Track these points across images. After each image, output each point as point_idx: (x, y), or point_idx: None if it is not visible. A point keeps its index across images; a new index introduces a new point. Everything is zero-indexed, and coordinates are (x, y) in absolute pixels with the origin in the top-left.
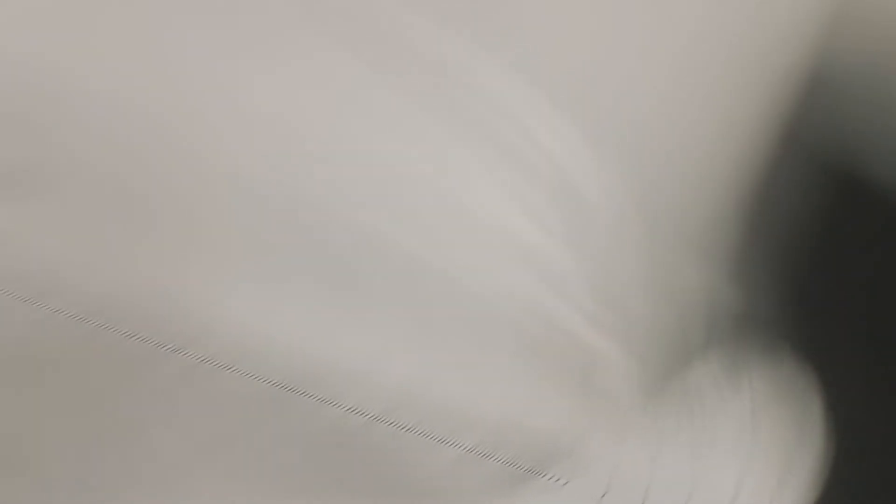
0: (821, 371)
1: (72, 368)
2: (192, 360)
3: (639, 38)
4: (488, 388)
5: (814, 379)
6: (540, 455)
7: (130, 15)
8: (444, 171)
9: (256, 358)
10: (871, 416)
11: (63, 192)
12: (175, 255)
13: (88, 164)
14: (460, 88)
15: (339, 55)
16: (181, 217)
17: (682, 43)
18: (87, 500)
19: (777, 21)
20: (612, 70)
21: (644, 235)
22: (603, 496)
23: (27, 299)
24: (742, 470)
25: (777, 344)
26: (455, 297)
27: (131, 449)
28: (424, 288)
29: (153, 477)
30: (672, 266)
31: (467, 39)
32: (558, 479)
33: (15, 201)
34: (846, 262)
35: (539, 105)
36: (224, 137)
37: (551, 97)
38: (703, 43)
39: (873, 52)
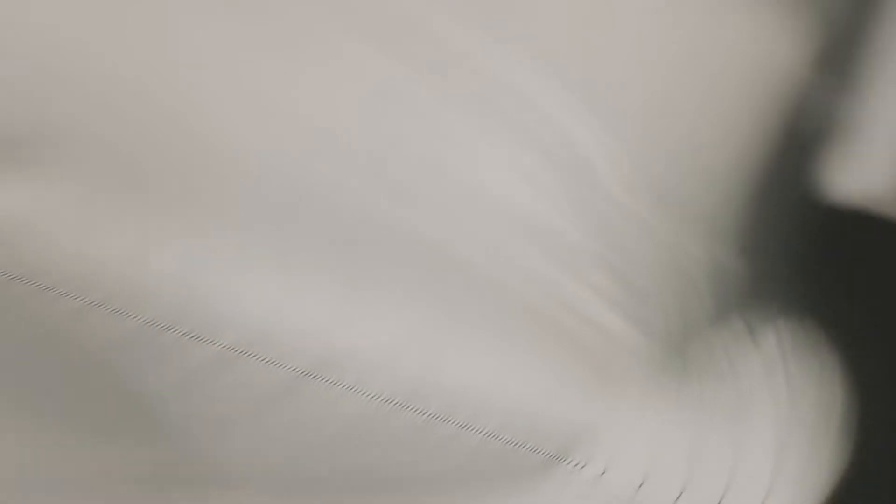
0: (835, 346)
1: (93, 356)
2: (215, 348)
3: (649, 27)
4: (508, 372)
5: (831, 354)
6: (562, 440)
7: (160, 9)
8: (461, 156)
9: (278, 346)
10: (887, 394)
11: (81, 183)
12: (195, 244)
13: (107, 150)
14: (478, 76)
15: (358, 45)
16: (201, 205)
17: (689, 31)
18: (111, 497)
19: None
20: (622, 57)
21: (655, 214)
22: (640, 486)
23: (48, 287)
24: (777, 456)
25: (790, 321)
26: (473, 281)
27: (155, 437)
28: (443, 273)
29: (178, 462)
30: (682, 244)
31: (484, 28)
32: (584, 466)
33: (28, 183)
34: (848, 260)
35: (553, 91)
36: (245, 127)
37: (565, 83)
38: (708, 34)
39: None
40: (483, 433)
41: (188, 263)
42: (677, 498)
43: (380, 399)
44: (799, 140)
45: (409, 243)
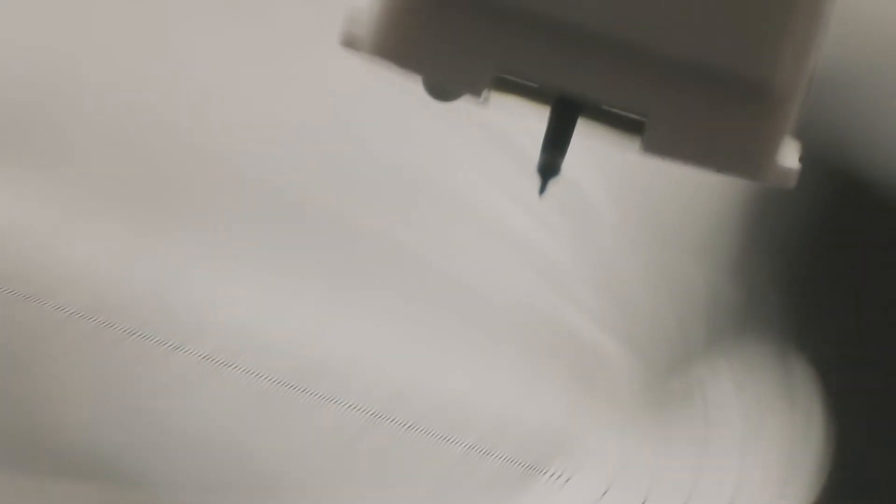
0: (822, 371)
1: (71, 367)
2: (192, 358)
3: None
4: (489, 384)
5: (816, 379)
6: (541, 452)
7: (138, 11)
8: (447, 169)
9: (257, 355)
10: (873, 417)
11: (62, 189)
12: (173, 251)
13: (89, 159)
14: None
15: (347, 56)
16: (181, 214)
17: None
18: None
19: None
20: None
21: (646, 231)
22: (604, 494)
23: (27, 296)
24: (742, 470)
25: (778, 343)
26: (456, 293)
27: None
28: (425, 285)
29: (153, 475)
30: (674, 263)
31: None
32: (560, 477)
33: (8, 189)
34: (847, 262)
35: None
36: (228, 134)
37: None
38: None
39: (874, 52)
40: (462, 445)
41: (168, 272)
42: None
43: (358, 410)
44: None
45: (392, 254)
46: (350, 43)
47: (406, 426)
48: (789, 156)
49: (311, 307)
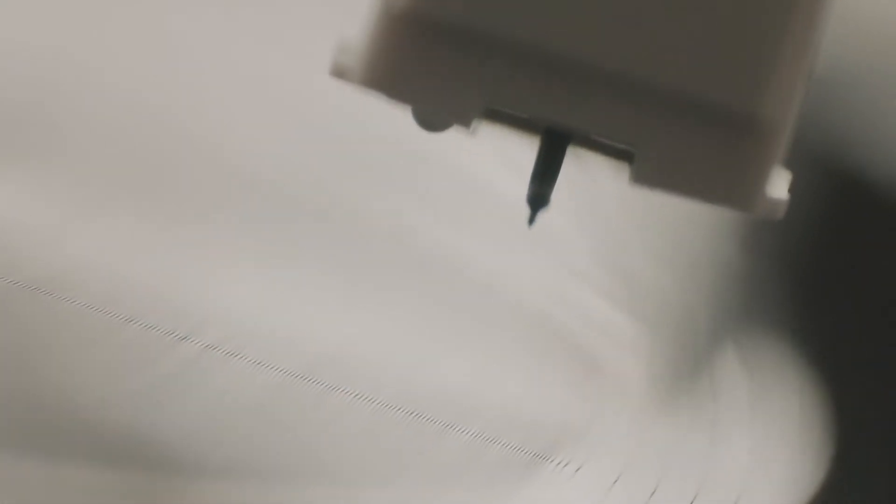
0: (822, 370)
1: (78, 357)
2: (197, 348)
3: None
4: (495, 371)
5: (816, 378)
6: (547, 439)
7: (138, 10)
8: (450, 161)
9: (263, 346)
10: (873, 417)
11: (68, 186)
12: (179, 242)
13: (94, 154)
14: None
15: None
16: (186, 206)
17: None
18: None
19: None
20: None
21: (654, 216)
22: (614, 483)
23: (32, 287)
24: (752, 457)
25: (780, 339)
26: (459, 278)
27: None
28: (428, 270)
29: (158, 467)
30: (681, 242)
31: None
32: (567, 465)
33: (11, 185)
34: (847, 262)
35: None
36: (233, 124)
37: None
38: None
39: (874, 52)
40: (468, 433)
41: (173, 265)
42: None
43: (365, 399)
44: None
45: (399, 240)
46: (340, 73)
47: (412, 414)
48: (778, 186)
49: (317, 299)
